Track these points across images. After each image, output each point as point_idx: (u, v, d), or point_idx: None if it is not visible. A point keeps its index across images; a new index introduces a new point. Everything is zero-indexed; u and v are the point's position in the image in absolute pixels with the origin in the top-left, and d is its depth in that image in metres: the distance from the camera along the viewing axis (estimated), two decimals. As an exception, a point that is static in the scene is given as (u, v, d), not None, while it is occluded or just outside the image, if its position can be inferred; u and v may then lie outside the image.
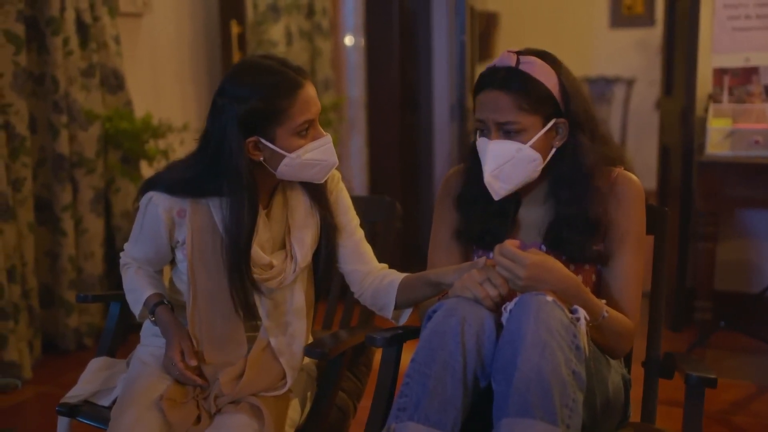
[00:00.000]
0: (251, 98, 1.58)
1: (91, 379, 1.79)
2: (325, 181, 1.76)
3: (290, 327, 1.71)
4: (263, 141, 1.61)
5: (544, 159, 1.62)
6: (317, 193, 1.75)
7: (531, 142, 1.60)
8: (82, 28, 3.29)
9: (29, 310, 3.18)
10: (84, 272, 3.41)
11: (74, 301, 3.31)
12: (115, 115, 3.39)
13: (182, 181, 1.67)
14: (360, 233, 1.83)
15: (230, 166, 1.60)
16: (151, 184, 1.70)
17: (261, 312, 1.69)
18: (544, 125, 1.61)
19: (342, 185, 1.83)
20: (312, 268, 1.80)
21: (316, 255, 1.78)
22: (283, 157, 1.62)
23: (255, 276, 1.66)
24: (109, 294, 2.04)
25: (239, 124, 1.58)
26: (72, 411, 1.74)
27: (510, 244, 1.52)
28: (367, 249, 1.83)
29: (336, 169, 1.77)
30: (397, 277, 1.77)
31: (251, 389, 1.63)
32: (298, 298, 1.73)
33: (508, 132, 1.60)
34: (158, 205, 1.67)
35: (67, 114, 3.26)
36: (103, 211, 3.45)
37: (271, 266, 1.68)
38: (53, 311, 3.37)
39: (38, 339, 3.26)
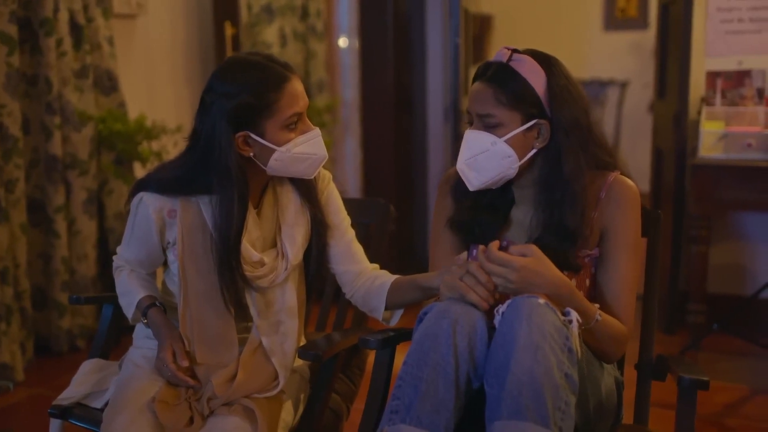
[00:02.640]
0: (240, 93, 1.58)
1: (84, 381, 1.78)
2: (316, 180, 1.76)
3: (282, 326, 1.71)
4: (253, 135, 1.61)
5: (521, 158, 1.62)
6: (307, 192, 1.75)
7: (506, 137, 1.60)
8: (75, 29, 3.29)
9: (22, 311, 3.17)
10: (77, 274, 3.40)
11: (67, 303, 3.30)
12: (108, 117, 3.38)
13: (172, 180, 1.67)
14: (351, 233, 1.83)
15: (220, 162, 1.60)
16: (142, 185, 1.70)
17: (252, 311, 1.69)
18: (523, 123, 1.61)
19: (333, 185, 1.83)
20: (303, 268, 1.80)
21: (307, 254, 1.78)
22: (273, 151, 1.62)
23: (246, 273, 1.66)
24: (102, 296, 2.03)
25: (228, 119, 1.59)
26: (64, 413, 1.73)
27: (493, 246, 1.52)
28: (359, 249, 1.83)
29: (326, 169, 1.78)
30: (388, 279, 1.77)
31: (244, 391, 1.62)
32: (290, 296, 1.73)
33: (487, 125, 1.61)
34: (149, 205, 1.67)
35: (60, 115, 3.25)
36: (96, 213, 3.45)
37: (262, 264, 1.68)
38: (46, 313, 3.36)
39: (31, 341, 3.25)
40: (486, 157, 1.62)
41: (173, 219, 1.67)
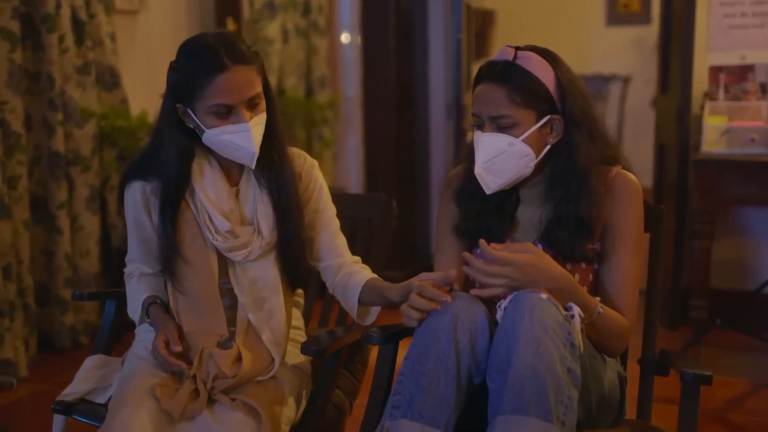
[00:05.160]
0: (178, 69, 1.64)
1: (87, 377, 1.78)
2: (291, 167, 1.75)
3: (267, 303, 1.72)
4: (188, 110, 1.66)
5: (537, 155, 1.62)
6: (272, 176, 1.74)
7: (523, 137, 1.59)
8: (77, 25, 3.29)
9: (25, 308, 3.18)
10: (80, 270, 3.40)
11: (70, 299, 3.31)
12: (110, 113, 3.38)
13: (146, 159, 1.73)
14: (335, 224, 1.83)
15: (160, 124, 1.69)
16: (125, 178, 1.76)
17: (236, 289, 1.71)
18: (537, 121, 1.60)
19: (317, 173, 1.83)
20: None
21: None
22: (203, 130, 1.66)
23: (218, 244, 1.69)
24: (105, 292, 2.04)
25: (170, 89, 1.66)
26: (68, 409, 1.73)
27: (486, 247, 1.52)
28: (341, 241, 1.83)
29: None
30: (362, 279, 1.76)
31: (250, 372, 1.64)
32: (272, 274, 1.74)
33: (500, 126, 1.59)
34: (134, 190, 1.74)
35: (62, 111, 3.25)
36: (98, 209, 3.45)
37: (234, 235, 1.70)
38: (49, 309, 3.37)
39: (34, 337, 3.26)
40: (503, 158, 1.60)
41: (157, 198, 1.71)
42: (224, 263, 1.73)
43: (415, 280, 1.59)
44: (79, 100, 3.31)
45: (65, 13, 3.21)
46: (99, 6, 3.35)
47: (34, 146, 3.28)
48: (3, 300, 2.99)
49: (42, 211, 3.32)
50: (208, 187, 1.72)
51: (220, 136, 1.64)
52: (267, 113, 1.70)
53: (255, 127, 1.65)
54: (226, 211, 1.71)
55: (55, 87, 3.20)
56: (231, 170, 1.75)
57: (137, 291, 1.78)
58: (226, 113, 1.63)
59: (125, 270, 1.84)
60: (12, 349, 3.03)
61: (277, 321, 1.71)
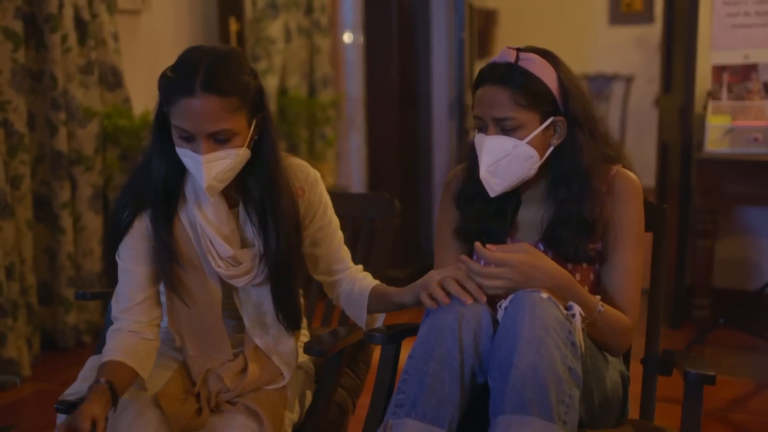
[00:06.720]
0: (163, 76, 1.55)
1: (90, 376, 1.77)
2: (286, 201, 1.65)
3: (271, 329, 1.69)
4: (170, 119, 1.56)
5: (541, 157, 1.61)
6: (257, 213, 1.65)
7: (528, 139, 1.58)
8: (80, 25, 3.29)
9: (28, 307, 3.18)
10: (83, 269, 3.40)
11: (73, 299, 3.31)
12: (113, 113, 3.39)
13: (136, 184, 1.65)
14: (339, 237, 1.78)
15: (155, 133, 1.60)
16: (125, 218, 1.63)
17: (242, 312, 1.69)
18: (541, 122, 1.60)
19: (321, 188, 1.75)
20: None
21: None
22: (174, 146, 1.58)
23: (221, 271, 1.63)
24: (108, 291, 2.02)
25: (159, 93, 1.57)
26: (70, 408, 1.72)
27: (480, 249, 1.51)
28: (345, 254, 1.80)
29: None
30: (366, 287, 1.73)
31: (255, 383, 1.63)
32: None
33: (505, 128, 1.59)
34: (139, 226, 1.63)
35: (65, 111, 3.26)
36: (101, 209, 3.45)
37: (237, 261, 1.63)
38: (52, 308, 3.37)
39: (37, 336, 3.26)
40: (508, 161, 1.59)
41: (152, 223, 1.63)
42: (228, 284, 1.67)
43: (432, 274, 1.57)
44: (82, 100, 3.32)
45: (68, 12, 3.21)
46: (102, 6, 3.35)
47: (37, 146, 3.28)
48: (6, 299, 3.00)
49: (45, 211, 3.32)
50: (206, 208, 1.62)
51: (183, 158, 1.56)
52: (258, 150, 1.60)
53: (212, 162, 1.52)
54: (227, 233, 1.63)
55: (57, 86, 3.20)
56: (228, 190, 1.64)
57: (106, 356, 1.59)
58: (189, 138, 1.52)
59: (109, 331, 1.65)
60: (15, 348, 3.04)
61: (284, 347, 1.69)
